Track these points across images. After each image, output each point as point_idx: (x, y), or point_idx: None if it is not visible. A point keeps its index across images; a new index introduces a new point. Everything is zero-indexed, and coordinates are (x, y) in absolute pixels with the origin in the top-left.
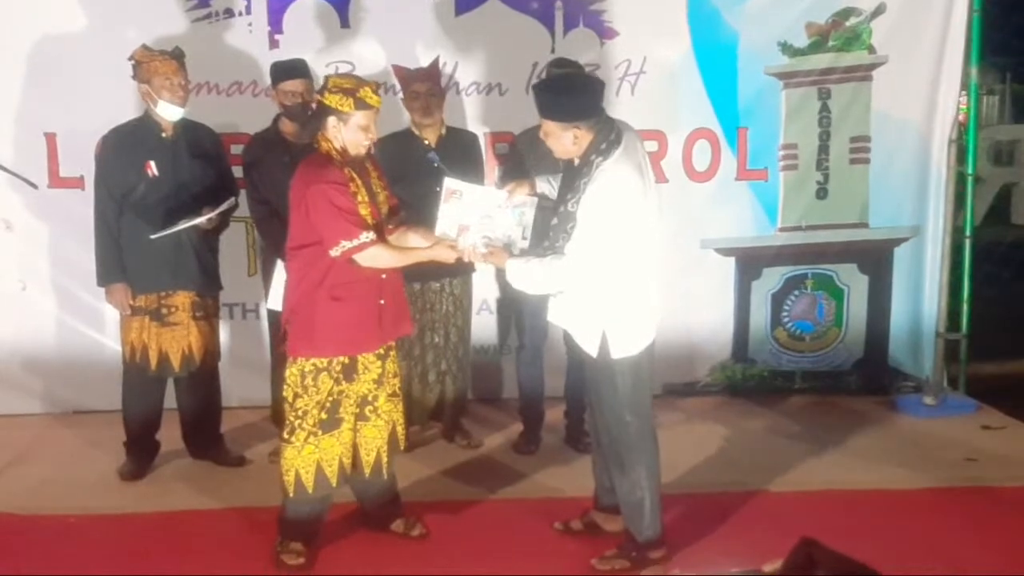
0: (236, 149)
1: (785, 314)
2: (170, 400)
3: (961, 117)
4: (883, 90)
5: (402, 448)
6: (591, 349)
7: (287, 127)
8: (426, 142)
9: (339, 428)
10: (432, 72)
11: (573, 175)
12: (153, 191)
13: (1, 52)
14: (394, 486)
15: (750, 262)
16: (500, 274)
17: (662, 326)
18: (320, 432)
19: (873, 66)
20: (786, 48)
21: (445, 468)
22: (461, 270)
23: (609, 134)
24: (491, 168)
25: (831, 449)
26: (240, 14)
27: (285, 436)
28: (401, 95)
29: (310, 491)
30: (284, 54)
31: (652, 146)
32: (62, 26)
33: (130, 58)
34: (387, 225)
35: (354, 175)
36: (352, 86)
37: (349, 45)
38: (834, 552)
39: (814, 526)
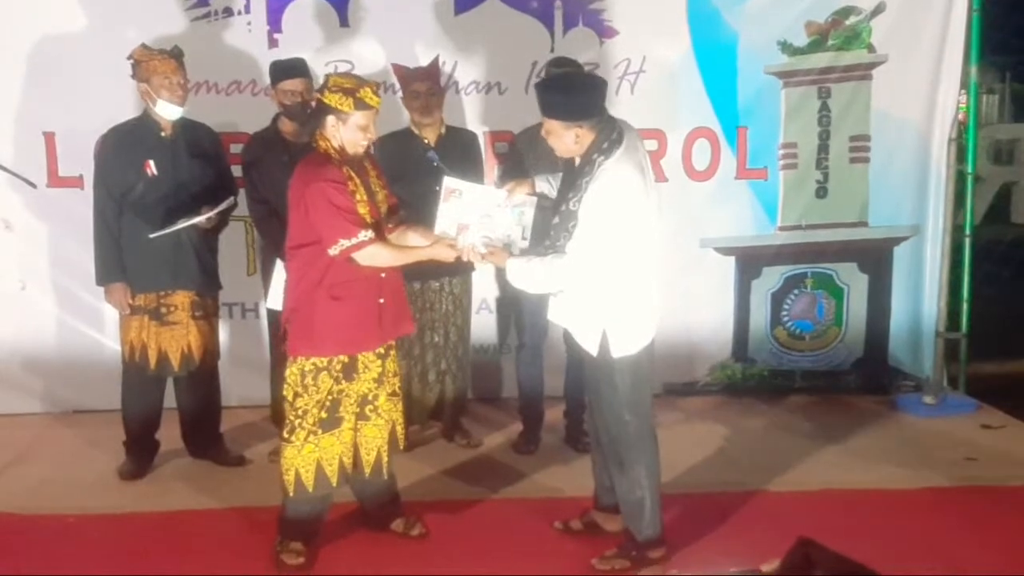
0: (235, 148)
1: (785, 313)
2: (170, 399)
3: (961, 116)
4: (883, 89)
5: (401, 447)
6: (591, 348)
7: (286, 126)
8: (426, 141)
9: (339, 427)
10: (432, 71)
11: (575, 174)
12: (152, 190)
13: (1, 52)
14: (394, 486)
15: (750, 261)
16: (500, 273)
17: (662, 325)
18: (320, 431)
19: (873, 65)
20: (786, 47)
21: (445, 468)
22: (461, 269)
23: (611, 133)
24: (490, 167)
25: (831, 448)
26: (239, 13)
27: (285, 435)
28: (400, 94)
29: (310, 490)
30: (283, 53)
31: (652, 145)
32: (61, 25)
33: (129, 57)
34: (386, 224)
35: (352, 174)
36: (352, 86)
37: (348, 44)
38: (831, 552)
39: (814, 526)
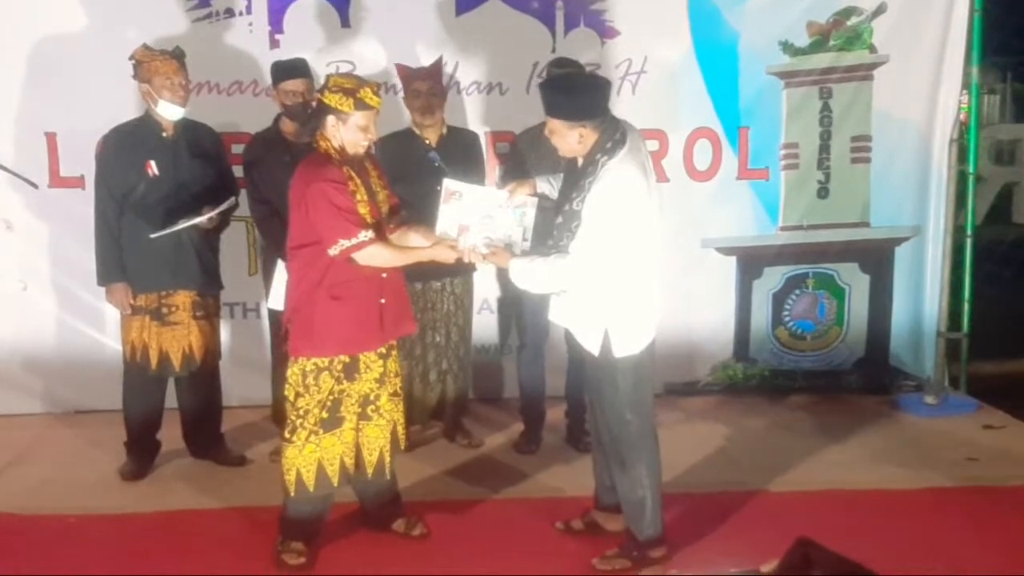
0: (237, 148)
1: (786, 313)
2: (171, 400)
3: (962, 116)
4: (884, 89)
5: (403, 448)
6: (593, 348)
7: (287, 127)
8: (427, 142)
9: (340, 427)
10: (434, 71)
11: (578, 174)
12: (153, 190)
13: (2, 52)
14: (395, 486)
15: (751, 261)
16: (501, 274)
17: (663, 326)
18: (321, 431)
19: (874, 65)
20: (787, 47)
21: (446, 468)
22: (462, 269)
23: (614, 133)
24: (492, 168)
25: (832, 449)
26: (240, 14)
27: (286, 435)
28: (402, 94)
29: (311, 490)
30: (284, 54)
31: (653, 145)
32: (63, 26)
33: (131, 58)
34: (388, 224)
35: (353, 174)
36: (353, 86)
37: (349, 45)
38: (830, 552)
39: (815, 526)
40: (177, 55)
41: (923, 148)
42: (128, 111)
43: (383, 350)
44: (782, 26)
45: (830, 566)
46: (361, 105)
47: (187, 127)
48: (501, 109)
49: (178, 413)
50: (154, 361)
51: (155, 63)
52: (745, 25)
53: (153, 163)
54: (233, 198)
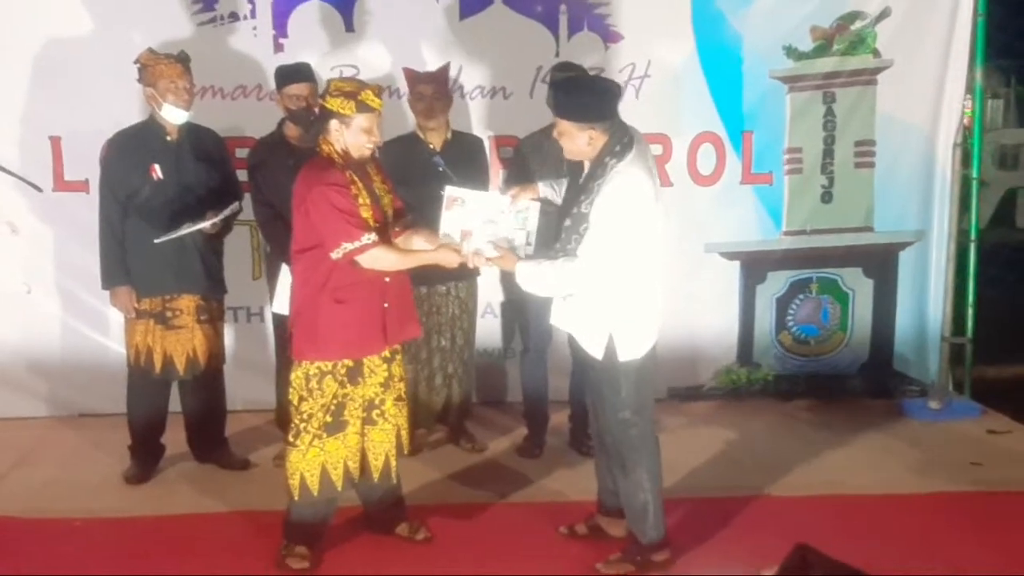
0: (241, 152)
1: (790, 318)
2: (175, 403)
3: (966, 121)
4: (888, 94)
5: (406, 452)
6: (596, 352)
7: (291, 131)
8: (431, 146)
9: (344, 431)
10: (439, 75)
11: (586, 177)
12: (157, 194)
13: (6, 55)
14: (399, 490)
15: (755, 266)
16: (504, 278)
17: (667, 331)
18: (325, 435)
19: (878, 70)
20: (791, 52)
21: (450, 472)
22: (467, 274)
23: (623, 137)
24: (495, 172)
25: (835, 453)
26: (245, 18)
27: (290, 439)
28: (407, 96)
29: (315, 494)
30: (288, 58)
31: (657, 150)
32: (67, 29)
33: (136, 61)
34: (393, 228)
35: (355, 178)
36: (353, 89)
37: (353, 49)
38: (828, 557)
39: (818, 530)
40: (182, 59)
41: (927, 152)
42: (132, 115)
43: (387, 354)
44: (786, 30)
45: (827, 570)
46: (363, 107)
47: (191, 131)
48: (504, 113)
49: (182, 417)
50: (158, 365)
51: (160, 67)
52: (749, 29)
53: (157, 167)
54: (237, 203)
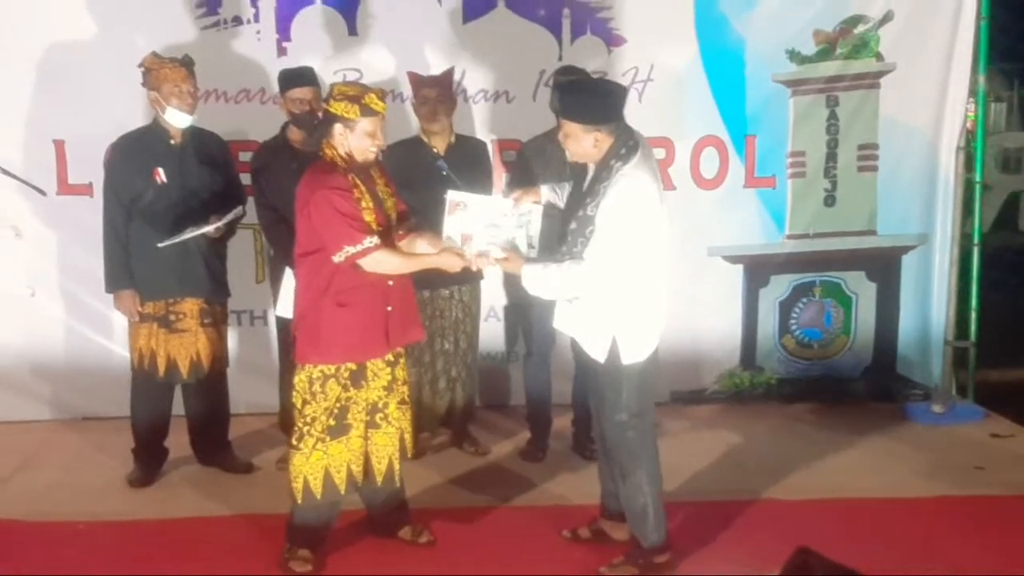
0: (244, 156)
1: (793, 321)
2: (178, 407)
3: (969, 124)
4: (891, 97)
5: (409, 455)
6: (599, 355)
7: (295, 135)
8: (435, 150)
9: (347, 434)
10: (443, 79)
11: (592, 180)
12: (161, 198)
13: (10, 59)
14: (402, 493)
15: (758, 269)
16: (508, 281)
17: (669, 334)
18: (328, 438)
19: (881, 73)
20: (794, 55)
21: (453, 475)
22: (470, 277)
23: (628, 139)
24: (498, 176)
25: (839, 457)
26: (248, 22)
27: (294, 443)
28: (410, 100)
29: (318, 498)
30: (292, 62)
31: (660, 153)
32: (71, 33)
33: (140, 65)
34: (397, 231)
35: (358, 181)
36: (357, 93)
37: (357, 53)
38: (829, 560)
39: (821, 534)
40: (186, 63)
41: (930, 156)
42: (136, 118)
43: (391, 357)
44: (789, 34)
45: (829, 573)
46: (367, 111)
47: (195, 135)
48: (507, 117)
49: (185, 420)
50: (162, 368)
51: (164, 71)
52: (752, 33)
53: (161, 170)
54: (240, 207)
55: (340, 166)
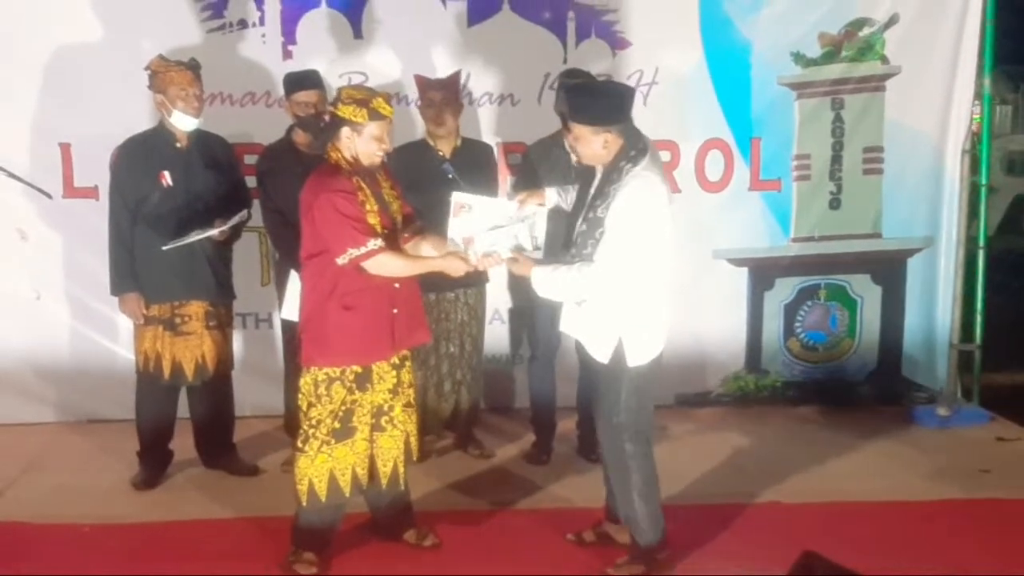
0: (250, 159)
1: (798, 324)
2: (183, 409)
3: (974, 127)
4: (896, 100)
5: (414, 458)
6: (603, 357)
7: (300, 137)
8: (441, 153)
9: (352, 437)
10: (449, 82)
11: (601, 181)
12: (167, 201)
13: (17, 62)
14: (407, 496)
15: (763, 272)
16: (513, 284)
17: (675, 336)
18: (333, 441)
19: (886, 76)
20: (799, 58)
21: (457, 478)
22: (475, 280)
23: (638, 142)
24: (503, 178)
25: (844, 460)
26: (254, 25)
27: (299, 445)
28: (416, 103)
29: (323, 500)
30: (297, 65)
31: (665, 156)
32: (77, 36)
33: (146, 68)
34: (402, 234)
35: (363, 184)
36: (365, 97)
37: (362, 56)
38: (834, 564)
39: (826, 537)
40: (192, 66)
41: (935, 159)
42: (142, 122)
43: (396, 360)
44: (794, 37)
45: None
46: (375, 115)
47: (200, 138)
48: (512, 120)
49: (190, 423)
50: (167, 371)
51: (170, 74)
52: (757, 35)
53: (167, 173)
54: (245, 211)
55: (345, 169)
